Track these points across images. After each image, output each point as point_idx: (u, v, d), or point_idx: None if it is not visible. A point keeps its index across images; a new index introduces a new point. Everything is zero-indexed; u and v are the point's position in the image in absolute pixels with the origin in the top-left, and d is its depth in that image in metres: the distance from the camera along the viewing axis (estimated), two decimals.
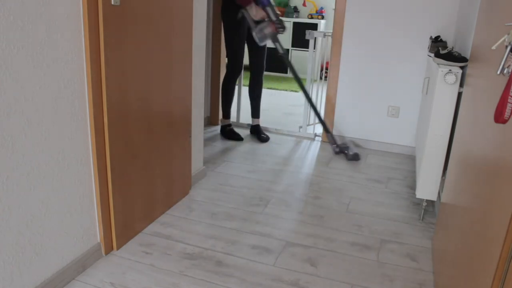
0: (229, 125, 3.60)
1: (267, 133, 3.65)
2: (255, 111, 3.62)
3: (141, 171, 1.98)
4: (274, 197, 2.52)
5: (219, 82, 3.80)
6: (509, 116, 0.93)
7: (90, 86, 1.61)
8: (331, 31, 3.42)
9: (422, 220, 2.32)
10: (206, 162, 2.96)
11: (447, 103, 2.05)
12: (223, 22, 3.26)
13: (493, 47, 1.09)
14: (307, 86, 3.58)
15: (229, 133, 3.55)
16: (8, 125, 1.32)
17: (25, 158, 1.40)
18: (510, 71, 0.99)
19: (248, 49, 3.40)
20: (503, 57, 1.01)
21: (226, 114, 3.58)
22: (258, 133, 3.60)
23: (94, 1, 1.55)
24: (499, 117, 0.95)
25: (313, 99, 3.62)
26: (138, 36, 1.80)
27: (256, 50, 3.37)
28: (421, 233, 2.19)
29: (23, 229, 1.43)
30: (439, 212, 2.01)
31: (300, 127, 3.74)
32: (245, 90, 3.74)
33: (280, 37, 3.02)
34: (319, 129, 3.78)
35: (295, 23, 6.69)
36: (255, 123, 3.65)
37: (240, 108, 3.93)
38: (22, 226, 1.43)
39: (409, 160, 3.27)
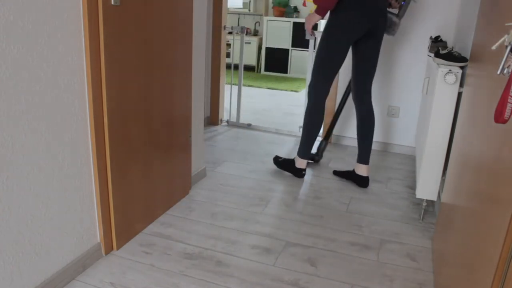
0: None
1: (268, 133, 3.64)
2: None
3: (141, 171, 1.98)
4: (274, 197, 2.52)
5: (219, 82, 3.80)
6: (509, 116, 0.93)
7: (90, 86, 1.61)
8: None
9: (422, 220, 2.32)
10: (206, 162, 2.96)
11: (447, 103, 2.05)
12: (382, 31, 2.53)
13: (493, 47, 1.09)
14: (306, 86, 3.57)
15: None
16: (8, 125, 1.32)
17: (25, 158, 1.40)
18: (510, 71, 0.99)
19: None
20: (503, 57, 1.01)
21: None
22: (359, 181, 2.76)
23: (94, 1, 1.55)
24: (499, 117, 0.95)
25: None
26: (138, 36, 1.80)
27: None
28: (421, 233, 2.19)
29: (23, 229, 1.43)
30: (439, 212, 2.01)
31: (300, 127, 3.74)
32: (245, 90, 3.72)
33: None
34: None
35: (295, 23, 6.69)
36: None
37: (240, 108, 3.94)
38: (22, 226, 1.43)
39: (409, 160, 3.27)
